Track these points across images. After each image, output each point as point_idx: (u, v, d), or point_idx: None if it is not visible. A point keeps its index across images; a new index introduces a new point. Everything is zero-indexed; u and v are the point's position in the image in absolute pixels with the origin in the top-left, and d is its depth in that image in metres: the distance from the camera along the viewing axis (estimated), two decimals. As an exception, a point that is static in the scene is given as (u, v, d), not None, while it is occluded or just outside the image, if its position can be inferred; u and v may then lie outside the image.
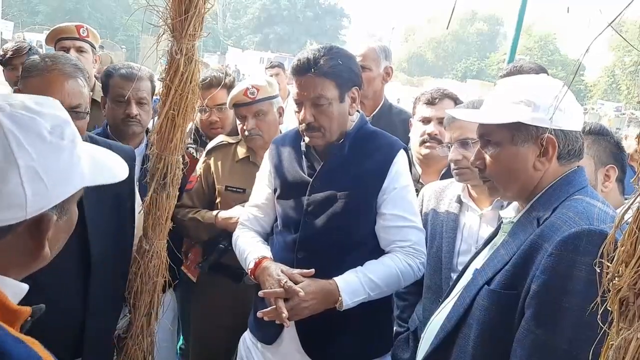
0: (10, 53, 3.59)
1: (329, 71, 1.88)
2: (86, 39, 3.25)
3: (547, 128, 1.36)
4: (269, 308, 1.84)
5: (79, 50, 3.19)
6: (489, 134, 1.45)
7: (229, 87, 2.82)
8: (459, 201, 2.15)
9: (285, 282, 1.82)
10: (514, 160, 1.41)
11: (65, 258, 1.76)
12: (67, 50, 3.10)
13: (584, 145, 1.46)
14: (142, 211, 2.01)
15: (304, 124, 1.93)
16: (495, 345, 1.34)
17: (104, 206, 1.83)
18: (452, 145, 2.12)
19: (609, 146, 1.91)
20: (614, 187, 1.93)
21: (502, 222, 1.58)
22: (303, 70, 1.90)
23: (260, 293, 1.87)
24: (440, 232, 2.15)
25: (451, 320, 1.46)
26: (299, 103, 1.94)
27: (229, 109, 2.82)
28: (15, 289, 0.87)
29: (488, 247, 1.60)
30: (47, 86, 1.72)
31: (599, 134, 1.91)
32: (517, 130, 1.39)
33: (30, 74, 1.77)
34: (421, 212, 2.22)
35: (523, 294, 1.28)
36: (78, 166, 0.91)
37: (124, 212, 1.95)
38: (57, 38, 3.24)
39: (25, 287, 0.89)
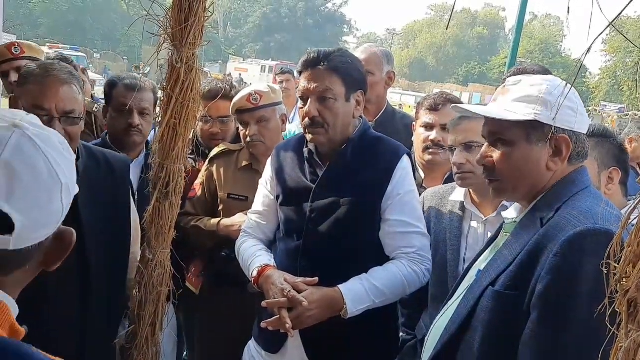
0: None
1: (338, 66, 1.90)
2: (22, 55, 3.09)
3: (562, 128, 1.36)
4: (273, 318, 1.83)
5: (19, 70, 3.05)
6: (501, 131, 1.43)
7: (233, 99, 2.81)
8: (462, 208, 2.13)
9: (289, 291, 1.81)
10: (528, 160, 1.40)
11: (63, 268, 1.76)
12: (7, 74, 3.00)
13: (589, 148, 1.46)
14: (145, 220, 2.01)
15: (307, 120, 1.92)
16: (501, 347, 1.33)
17: (101, 215, 1.84)
18: (455, 149, 2.10)
19: (612, 148, 1.91)
20: (617, 190, 1.92)
21: (504, 222, 1.56)
22: (313, 63, 1.91)
23: (263, 303, 1.86)
24: (444, 239, 2.12)
25: (455, 323, 1.44)
26: (305, 98, 1.93)
27: (231, 121, 2.82)
28: (16, 311, 0.88)
29: (490, 248, 1.59)
30: (42, 92, 1.76)
31: (602, 136, 1.90)
32: (533, 129, 1.38)
33: (27, 80, 1.80)
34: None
35: (528, 295, 1.27)
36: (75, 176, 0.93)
37: (120, 220, 1.96)
38: None
39: (17, 307, 0.89)
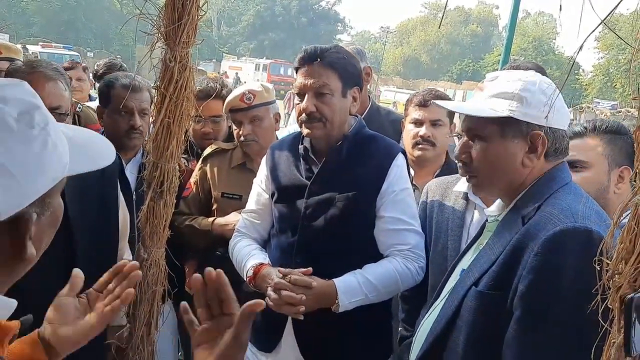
0: (103, 69, 3.82)
1: (335, 62, 1.91)
2: None
3: (538, 125, 1.36)
4: (274, 297, 1.80)
5: None
6: (477, 127, 1.43)
7: (225, 98, 2.81)
8: (465, 198, 2.12)
9: (290, 276, 1.80)
10: (503, 156, 1.40)
11: (50, 262, 1.76)
12: None
13: (569, 144, 1.45)
14: (139, 219, 2.00)
15: (304, 115, 1.92)
16: (485, 347, 1.33)
17: (88, 212, 1.83)
18: (462, 136, 2.10)
19: (625, 146, 1.82)
20: (627, 189, 1.84)
21: (486, 220, 1.56)
22: (309, 59, 1.92)
23: (270, 292, 1.84)
24: (446, 230, 2.11)
25: (440, 323, 1.44)
26: (302, 94, 1.94)
27: (223, 121, 2.82)
28: (3, 306, 0.82)
29: (474, 246, 1.58)
30: None
31: (616, 132, 1.83)
32: (507, 126, 1.38)
33: (12, 77, 1.81)
34: (425, 207, 2.20)
35: (511, 295, 1.27)
36: (54, 155, 0.81)
37: (108, 217, 1.95)
38: None
39: (13, 303, 0.84)
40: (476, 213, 2.10)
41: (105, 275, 1.24)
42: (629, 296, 0.91)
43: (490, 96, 1.42)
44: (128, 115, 2.42)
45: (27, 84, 0.87)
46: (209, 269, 0.94)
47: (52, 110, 1.77)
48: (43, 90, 1.78)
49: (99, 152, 0.95)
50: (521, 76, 1.42)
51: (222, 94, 2.74)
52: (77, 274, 1.18)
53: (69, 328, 1.13)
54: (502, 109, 1.38)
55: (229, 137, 2.83)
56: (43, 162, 0.79)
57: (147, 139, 2.49)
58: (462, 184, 2.16)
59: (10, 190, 0.75)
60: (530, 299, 1.23)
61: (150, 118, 2.43)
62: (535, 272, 1.22)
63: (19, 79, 1.79)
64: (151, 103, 2.51)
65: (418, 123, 2.49)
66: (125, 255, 2.12)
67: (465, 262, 1.53)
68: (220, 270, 0.95)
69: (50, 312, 1.13)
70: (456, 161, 2.07)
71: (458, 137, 2.13)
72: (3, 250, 0.80)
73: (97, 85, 3.79)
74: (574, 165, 1.75)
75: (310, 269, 1.85)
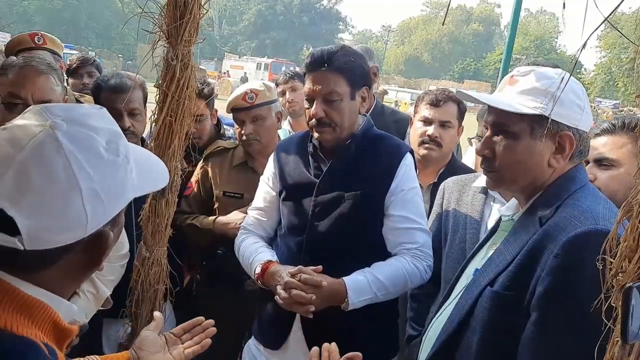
0: (77, 63, 3.82)
1: (342, 67, 1.90)
2: (43, 46, 3.15)
3: (567, 125, 1.34)
4: (284, 295, 1.79)
5: None
6: (506, 123, 1.38)
7: (207, 97, 2.82)
8: (484, 192, 2.10)
9: (301, 275, 1.80)
10: (530, 154, 1.36)
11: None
12: None
13: (597, 142, 1.43)
14: (141, 218, 2.00)
15: (314, 120, 1.92)
16: (500, 348, 1.31)
17: None
18: (480, 135, 2.08)
19: None
20: None
21: (500, 220, 1.54)
22: (317, 65, 1.91)
23: (280, 290, 1.82)
24: (464, 224, 2.09)
25: (453, 322, 1.43)
26: (310, 99, 1.94)
27: (206, 120, 2.83)
28: (68, 310, 0.90)
29: (487, 246, 1.56)
30: (19, 81, 1.81)
31: None
32: (539, 124, 1.34)
33: (6, 71, 1.85)
34: (441, 205, 2.19)
35: (528, 296, 1.25)
36: (131, 179, 0.91)
37: None
38: (15, 50, 3.13)
39: (75, 308, 0.92)
40: (495, 207, 2.07)
41: (183, 326, 1.47)
42: (629, 285, 0.90)
43: (521, 91, 1.38)
44: (116, 117, 2.38)
45: (107, 112, 0.94)
46: None
47: (42, 103, 1.78)
48: (34, 84, 1.81)
49: (157, 172, 1.03)
50: (555, 74, 1.38)
51: (203, 93, 2.75)
52: (159, 315, 1.43)
53: (159, 357, 1.34)
54: (533, 106, 1.34)
55: (217, 135, 2.87)
56: (124, 186, 0.89)
57: (146, 137, 2.49)
58: (481, 180, 2.12)
59: (97, 212, 0.84)
60: (549, 300, 1.21)
61: (148, 115, 2.41)
62: (555, 274, 1.20)
63: (11, 71, 1.82)
64: (145, 99, 2.49)
65: (427, 122, 2.47)
66: (136, 256, 2.11)
67: (478, 262, 1.51)
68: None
69: (140, 341, 1.34)
70: (478, 155, 2.06)
71: (478, 139, 2.11)
72: (81, 263, 0.89)
73: (70, 81, 3.85)
74: (602, 162, 1.73)
75: (321, 267, 1.85)
